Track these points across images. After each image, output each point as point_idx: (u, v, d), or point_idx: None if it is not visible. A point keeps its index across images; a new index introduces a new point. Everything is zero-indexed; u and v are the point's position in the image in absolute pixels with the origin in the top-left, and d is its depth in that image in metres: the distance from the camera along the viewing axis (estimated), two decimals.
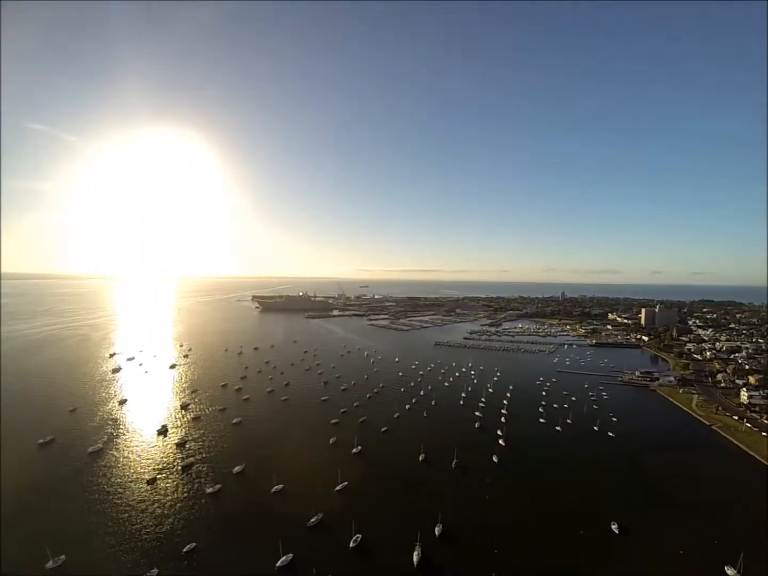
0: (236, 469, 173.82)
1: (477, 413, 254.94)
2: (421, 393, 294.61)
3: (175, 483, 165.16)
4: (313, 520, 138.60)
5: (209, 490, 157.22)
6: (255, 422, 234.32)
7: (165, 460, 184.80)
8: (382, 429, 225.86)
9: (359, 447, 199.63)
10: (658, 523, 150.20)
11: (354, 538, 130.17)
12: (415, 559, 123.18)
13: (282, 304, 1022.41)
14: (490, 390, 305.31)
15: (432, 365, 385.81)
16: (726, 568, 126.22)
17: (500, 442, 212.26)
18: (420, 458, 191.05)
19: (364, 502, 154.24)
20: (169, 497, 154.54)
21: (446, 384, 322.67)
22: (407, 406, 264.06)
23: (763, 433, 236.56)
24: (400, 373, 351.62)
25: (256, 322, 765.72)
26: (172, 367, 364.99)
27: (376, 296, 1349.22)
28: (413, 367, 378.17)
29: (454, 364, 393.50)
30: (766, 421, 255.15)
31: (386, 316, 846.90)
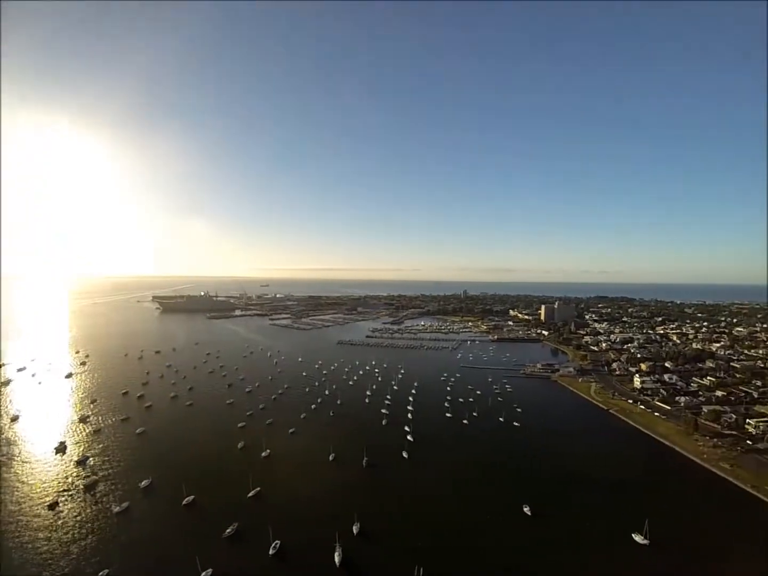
0: (143, 483, 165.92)
1: (383, 411, 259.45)
2: (326, 392, 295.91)
3: (79, 505, 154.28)
4: (228, 530, 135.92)
5: (117, 510, 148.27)
6: (160, 431, 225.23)
7: (66, 480, 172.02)
8: (290, 431, 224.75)
9: (268, 450, 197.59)
10: (567, 502, 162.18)
11: (273, 544, 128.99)
12: (336, 560, 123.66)
13: (183, 305, 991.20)
14: (395, 387, 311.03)
15: (335, 364, 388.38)
16: (633, 535, 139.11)
17: (408, 438, 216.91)
18: (330, 458, 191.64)
19: (278, 507, 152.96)
20: (75, 521, 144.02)
21: (351, 383, 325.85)
22: (313, 406, 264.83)
23: (656, 413, 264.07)
24: (304, 373, 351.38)
25: (157, 324, 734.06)
26: (69, 376, 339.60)
27: (277, 295, 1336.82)
28: (317, 366, 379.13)
29: (357, 362, 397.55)
30: (657, 403, 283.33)
31: (288, 316, 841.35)
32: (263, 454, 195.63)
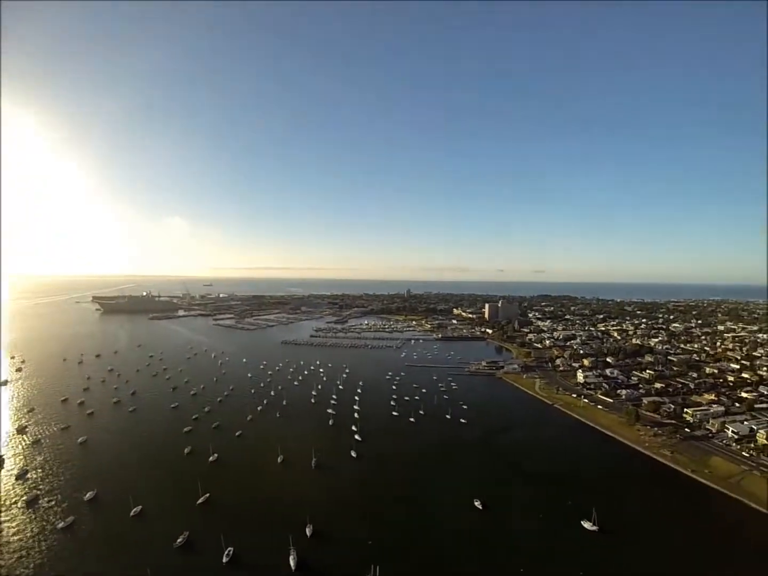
0: (88, 495, 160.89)
1: (330, 410, 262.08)
2: (272, 393, 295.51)
3: (21, 522, 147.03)
4: (180, 539, 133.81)
5: (61, 525, 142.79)
6: (103, 439, 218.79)
7: (5, 497, 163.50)
8: (237, 433, 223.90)
9: (216, 455, 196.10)
10: (517, 494, 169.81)
11: (226, 552, 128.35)
12: (292, 563, 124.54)
13: (125, 305, 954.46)
14: (341, 387, 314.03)
15: (280, 364, 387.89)
16: (582, 522, 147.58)
17: (356, 437, 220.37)
18: (279, 460, 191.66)
19: (229, 512, 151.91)
20: (17, 540, 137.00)
21: (296, 383, 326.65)
22: (259, 408, 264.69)
23: (599, 406, 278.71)
24: (249, 374, 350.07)
25: (98, 325, 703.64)
26: (4, 383, 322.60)
27: (221, 295, 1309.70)
28: (261, 367, 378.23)
29: (302, 362, 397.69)
30: (600, 396, 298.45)
31: (232, 316, 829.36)
32: (211, 458, 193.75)
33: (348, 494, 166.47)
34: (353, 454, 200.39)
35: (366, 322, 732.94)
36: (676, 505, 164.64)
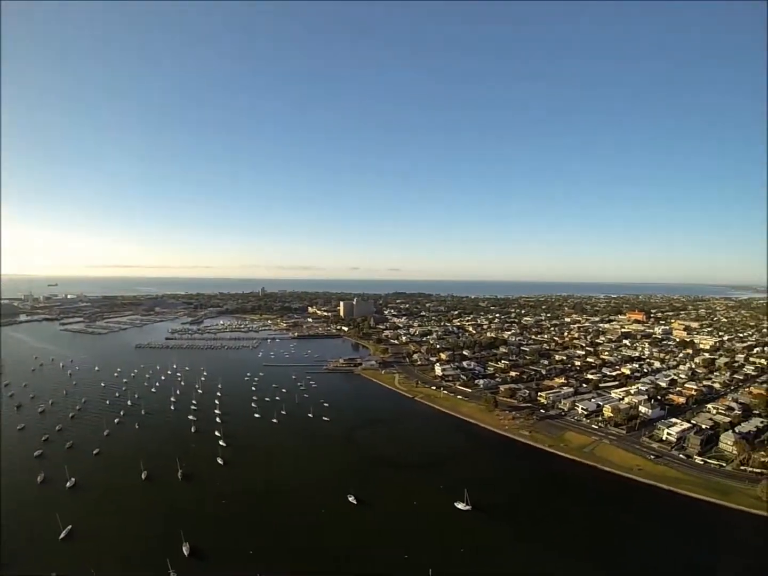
0: None
1: (191, 417, 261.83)
2: (129, 403, 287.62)
3: None
4: None
5: None
6: None
7: None
8: (95, 451, 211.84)
9: (73, 479, 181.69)
10: (390, 485, 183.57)
11: None
12: None
13: None
14: (200, 391, 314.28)
15: (135, 371, 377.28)
16: (456, 504, 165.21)
17: (221, 443, 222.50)
18: (143, 476, 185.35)
19: (97, 543, 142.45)
20: None
21: (153, 390, 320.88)
22: (117, 421, 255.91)
23: (458, 396, 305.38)
24: (103, 384, 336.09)
25: None
26: None
27: (68, 296, 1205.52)
28: (116, 375, 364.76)
29: (158, 367, 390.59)
30: (459, 387, 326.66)
31: (81, 319, 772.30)
32: (68, 484, 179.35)
33: (220, 504, 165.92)
34: (220, 461, 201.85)
35: (222, 322, 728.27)
36: (539, 478, 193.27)
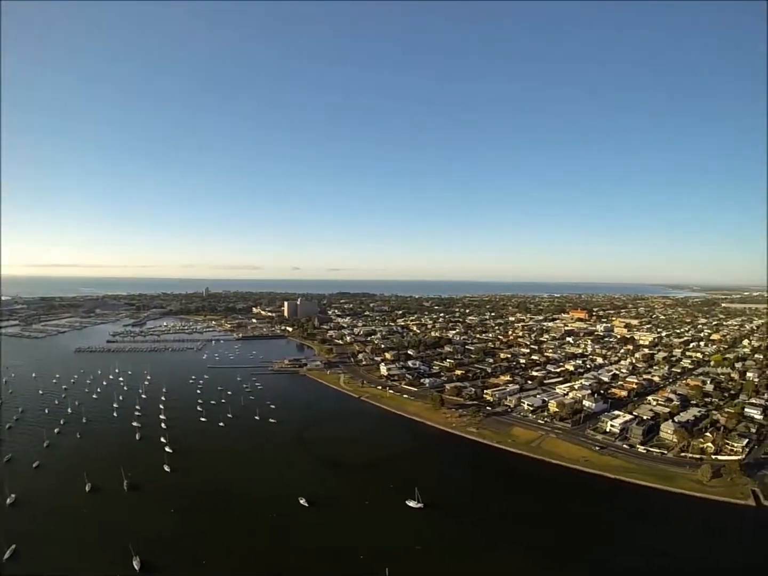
0: None
1: (135, 423, 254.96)
2: (70, 411, 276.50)
3: None
4: None
5: None
6: None
7: None
8: (35, 464, 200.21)
9: (13, 496, 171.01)
10: (340, 486, 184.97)
11: None
12: None
13: None
14: (144, 396, 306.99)
15: (76, 376, 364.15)
16: (407, 502, 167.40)
17: (167, 449, 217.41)
18: (87, 488, 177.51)
19: (41, 561, 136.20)
20: None
21: (95, 396, 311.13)
22: (57, 430, 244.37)
23: (405, 396, 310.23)
24: (41, 391, 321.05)
25: None
26: None
27: (3, 297, 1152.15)
28: (55, 381, 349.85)
29: (99, 372, 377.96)
30: (405, 386, 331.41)
31: (16, 322, 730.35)
32: (8, 501, 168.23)
33: (169, 513, 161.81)
34: (167, 468, 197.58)
35: (165, 324, 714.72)
36: (489, 473, 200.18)
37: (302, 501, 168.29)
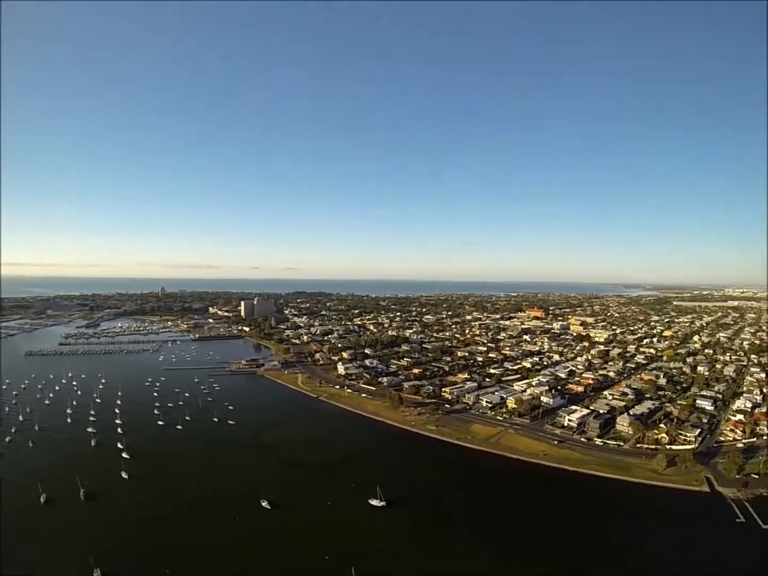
0: None
1: (90, 429, 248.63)
2: (21, 418, 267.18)
3: None
4: None
5: None
6: None
7: None
8: None
9: None
10: (302, 487, 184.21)
11: None
12: None
13: None
14: (98, 400, 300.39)
15: (27, 381, 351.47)
16: (370, 500, 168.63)
17: (124, 455, 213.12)
18: (42, 499, 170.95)
19: None
20: None
21: (47, 402, 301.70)
22: (8, 439, 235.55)
23: (363, 395, 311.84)
24: None
25: None
26: None
27: None
28: (4, 387, 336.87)
29: (52, 376, 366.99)
30: (363, 385, 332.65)
31: None
32: None
33: (129, 521, 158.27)
34: (124, 475, 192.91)
35: (120, 325, 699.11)
36: (449, 469, 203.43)
37: (264, 503, 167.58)
